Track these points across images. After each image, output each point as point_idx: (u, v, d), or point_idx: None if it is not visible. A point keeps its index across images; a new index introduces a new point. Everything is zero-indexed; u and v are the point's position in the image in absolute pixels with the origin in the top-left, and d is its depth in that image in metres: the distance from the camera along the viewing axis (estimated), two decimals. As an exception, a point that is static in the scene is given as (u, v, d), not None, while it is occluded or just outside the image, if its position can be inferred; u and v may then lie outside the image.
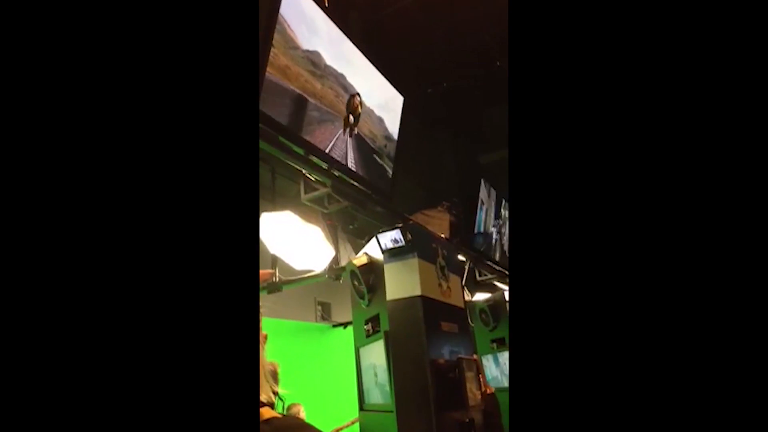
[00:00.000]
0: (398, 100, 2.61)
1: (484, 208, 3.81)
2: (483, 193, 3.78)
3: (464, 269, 3.29)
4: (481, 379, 2.30)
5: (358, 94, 2.31)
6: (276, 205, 2.20)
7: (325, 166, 2.08)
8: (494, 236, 3.93)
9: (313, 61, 2.00)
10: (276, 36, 1.77)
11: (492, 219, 3.94)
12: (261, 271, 0.91)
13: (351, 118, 2.26)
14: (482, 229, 3.77)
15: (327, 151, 2.08)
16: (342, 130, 2.22)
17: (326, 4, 2.02)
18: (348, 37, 2.19)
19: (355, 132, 2.32)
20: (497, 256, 3.94)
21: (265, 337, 0.87)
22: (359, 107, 2.31)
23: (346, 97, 2.24)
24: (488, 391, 2.24)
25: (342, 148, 2.19)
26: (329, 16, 2.05)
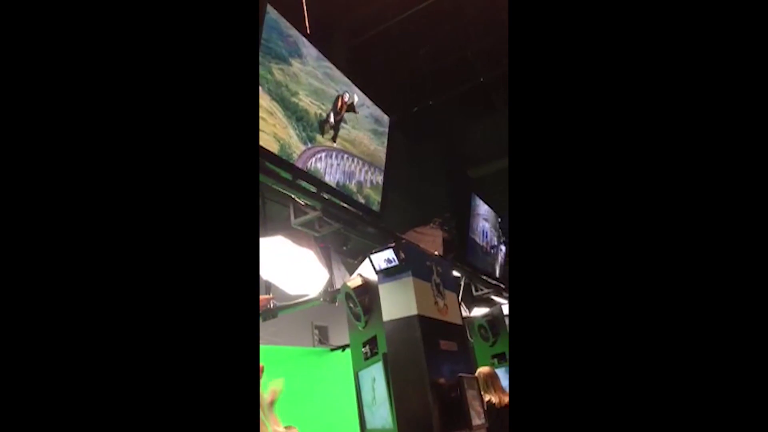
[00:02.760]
0: (385, 120, 2.63)
1: (476, 221, 3.81)
2: (474, 207, 3.78)
3: (460, 285, 3.28)
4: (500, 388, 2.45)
5: (345, 93, 2.25)
6: (267, 230, 2.19)
7: (313, 189, 2.07)
8: (499, 252, 3.96)
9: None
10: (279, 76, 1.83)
11: (490, 233, 3.95)
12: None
13: (331, 116, 2.18)
14: (477, 242, 3.77)
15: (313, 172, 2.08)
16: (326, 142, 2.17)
17: (308, 31, 2.04)
18: (335, 65, 2.21)
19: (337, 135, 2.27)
20: (497, 272, 3.96)
21: (262, 369, 0.82)
22: (344, 108, 2.26)
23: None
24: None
25: (331, 172, 2.19)
26: (314, 45, 2.06)
